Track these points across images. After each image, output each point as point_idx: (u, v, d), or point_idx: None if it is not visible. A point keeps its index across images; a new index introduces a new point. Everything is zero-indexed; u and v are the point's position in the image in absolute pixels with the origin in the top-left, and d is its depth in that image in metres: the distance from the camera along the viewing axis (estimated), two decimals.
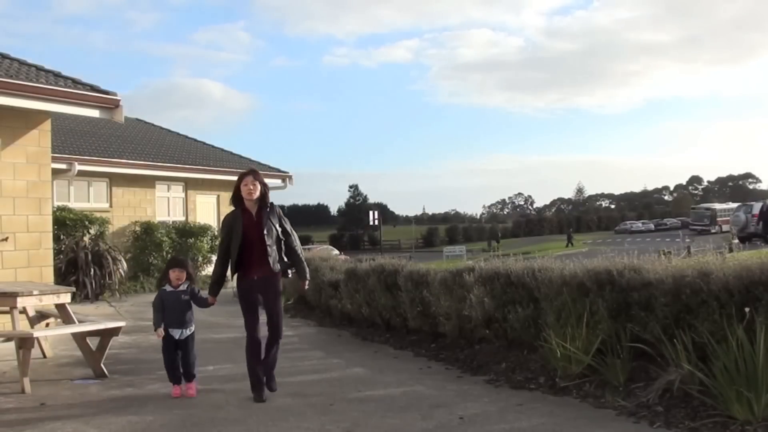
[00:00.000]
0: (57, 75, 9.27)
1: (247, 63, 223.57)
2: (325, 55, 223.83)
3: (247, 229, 5.26)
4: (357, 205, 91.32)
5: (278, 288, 5.43)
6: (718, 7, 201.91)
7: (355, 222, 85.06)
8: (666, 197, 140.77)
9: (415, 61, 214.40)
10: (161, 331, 5.35)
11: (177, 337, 5.42)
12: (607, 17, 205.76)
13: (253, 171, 5.42)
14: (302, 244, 6.93)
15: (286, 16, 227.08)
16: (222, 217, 23.85)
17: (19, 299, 6.17)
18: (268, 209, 5.35)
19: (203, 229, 17.86)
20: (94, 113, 9.25)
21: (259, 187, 5.30)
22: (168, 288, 5.52)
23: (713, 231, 47.94)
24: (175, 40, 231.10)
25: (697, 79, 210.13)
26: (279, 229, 5.36)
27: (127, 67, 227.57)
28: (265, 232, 5.25)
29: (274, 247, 5.29)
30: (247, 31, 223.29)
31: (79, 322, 6.57)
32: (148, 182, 17.53)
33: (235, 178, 21.28)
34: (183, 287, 5.51)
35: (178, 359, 5.45)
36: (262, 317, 5.40)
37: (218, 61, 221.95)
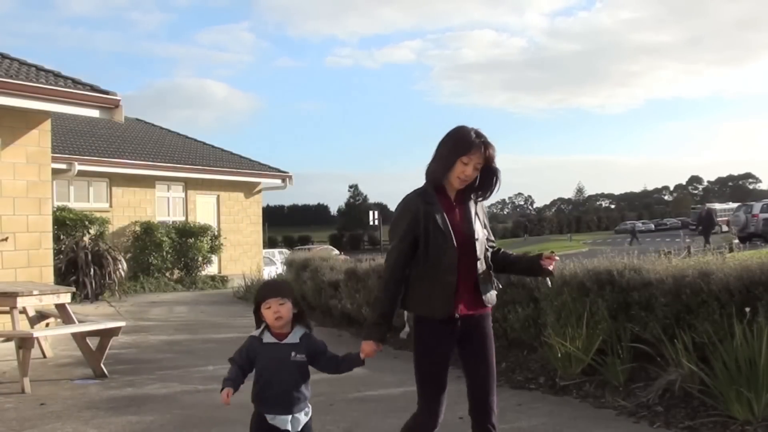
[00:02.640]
0: (57, 75, 9.27)
1: (250, 63, 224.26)
2: (328, 56, 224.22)
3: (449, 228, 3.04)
4: (357, 205, 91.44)
5: (491, 332, 3.17)
6: (720, 8, 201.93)
7: (355, 222, 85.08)
8: (666, 197, 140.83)
9: (417, 61, 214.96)
10: (228, 393, 2.95)
11: (284, 427, 3.00)
12: (610, 18, 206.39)
13: (485, 141, 3.05)
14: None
15: (289, 17, 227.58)
16: (222, 218, 23.64)
17: (19, 299, 6.17)
18: (473, 200, 3.17)
19: (203, 229, 17.87)
20: (94, 113, 9.26)
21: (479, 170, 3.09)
22: (267, 337, 3.02)
23: (713, 231, 47.84)
24: (178, 40, 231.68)
25: (699, 80, 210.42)
26: (485, 233, 3.22)
27: (131, 68, 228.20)
28: (476, 236, 3.09)
29: (485, 263, 3.13)
30: (251, 32, 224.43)
31: (79, 322, 6.57)
32: (148, 182, 17.54)
33: (235, 178, 21.29)
34: (294, 338, 3.00)
35: None
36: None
37: (222, 62, 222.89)
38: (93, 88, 9.20)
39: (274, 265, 21.52)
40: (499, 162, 3.13)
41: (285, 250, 27.92)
